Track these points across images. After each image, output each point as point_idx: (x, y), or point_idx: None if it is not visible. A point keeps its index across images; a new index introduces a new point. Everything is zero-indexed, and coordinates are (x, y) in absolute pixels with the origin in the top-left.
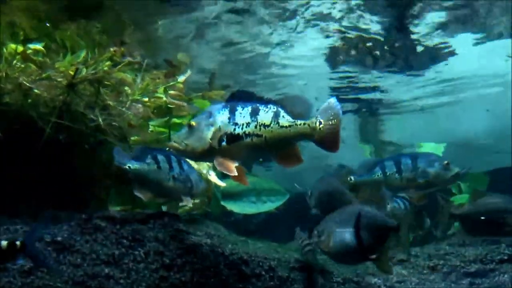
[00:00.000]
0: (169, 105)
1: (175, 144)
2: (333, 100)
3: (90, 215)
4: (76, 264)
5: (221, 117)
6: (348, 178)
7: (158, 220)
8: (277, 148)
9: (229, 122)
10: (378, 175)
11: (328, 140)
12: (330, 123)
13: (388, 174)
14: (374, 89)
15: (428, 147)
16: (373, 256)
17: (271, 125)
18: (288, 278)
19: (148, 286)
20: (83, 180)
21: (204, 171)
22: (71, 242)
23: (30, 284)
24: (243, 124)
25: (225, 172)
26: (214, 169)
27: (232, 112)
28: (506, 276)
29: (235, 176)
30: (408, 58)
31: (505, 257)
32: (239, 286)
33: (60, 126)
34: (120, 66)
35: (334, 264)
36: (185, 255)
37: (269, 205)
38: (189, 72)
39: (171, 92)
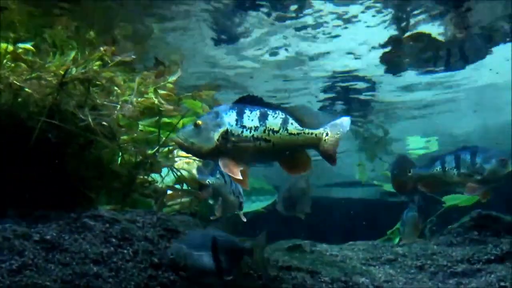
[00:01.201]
0: (159, 106)
1: (180, 141)
2: (346, 119)
3: (79, 214)
4: (64, 263)
5: (229, 118)
6: (408, 171)
7: (148, 219)
8: (283, 154)
9: (236, 124)
10: (437, 170)
11: (328, 152)
12: (335, 137)
13: (447, 169)
14: None
15: (417, 141)
16: (229, 278)
17: (280, 131)
18: (276, 278)
19: (136, 285)
20: (72, 180)
21: (194, 171)
22: (60, 241)
23: (19, 283)
24: (251, 128)
25: (229, 173)
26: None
27: (240, 115)
28: (493, 276)
29: (237, 178)
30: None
31: (492, 257)
32: None
33: (50, 125)
34: (110, 65)
35: (322, 264)
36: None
37: (257, 205)
38: (179, 73)
39: (162, 92)
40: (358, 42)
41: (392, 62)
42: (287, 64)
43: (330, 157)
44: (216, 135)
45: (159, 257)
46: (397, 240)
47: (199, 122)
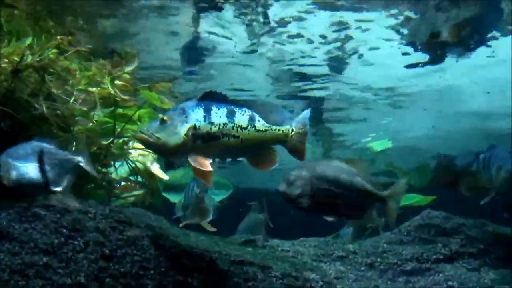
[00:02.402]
0: (115, 96)
1: (144, 136)
2: (307, 111)
3: (30, 204)
4: (14, 252)
5: (196, 115)
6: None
7: (100, 211)
8: (251, 150)
9: (205, 121)
10: (475, 168)
11: (297, 148)
12: (300, 132)
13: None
14: None
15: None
16: (58, 189)
17: (248, 128)
18: (228, 272)
19: (86, 276)
20: None
21: (148, 163)
22: (9, 230)
23: None
24: (219, 124)
25: (200, 168)
26: (158, 161)
27: (208, 111)
28: (441, 275)
29: (201, 173)
30: None
31: (441, 257)
32: (179, 279)
33: (4, 113)
34: (67, 54)
35: (274, 259)
36: (125, 246)
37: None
38: (136, 63)
39: (118, 82)
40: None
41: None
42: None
43: (298, 152)
44: (183, 131)
45: (110, 248)
46: None
47: (165, 117)
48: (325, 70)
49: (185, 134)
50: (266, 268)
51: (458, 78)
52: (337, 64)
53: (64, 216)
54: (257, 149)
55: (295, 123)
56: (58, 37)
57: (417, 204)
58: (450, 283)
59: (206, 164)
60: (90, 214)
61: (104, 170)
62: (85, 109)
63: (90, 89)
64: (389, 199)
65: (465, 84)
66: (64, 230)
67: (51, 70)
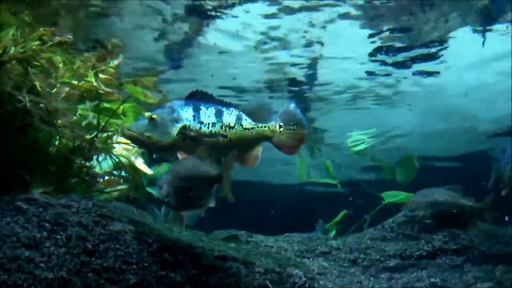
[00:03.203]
0: (98, 90)
1: (134, 134)
2: (292, 106)
3: (13, 197)
4: None
5: (186, 114)
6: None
7: (83, 205)
8: (239, 149)
9: (194, 120)
10: None
11: (288, 144)
12: (292, 128)
13: None
14: None
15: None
16: None
17: (236, 127)
18: (212, 267)
19: (69, 271)
20: (7, 163)
21: (132, 158)
22: None
23: None
24: (209, 124)
25: None
26: (142, 156)
27: (197, 111)
28: (424, 272)
29: None
30: None
31: (424, 253)
32: (162, 274)
33: None
34: (49, 44)
35: (257, 255)
36: (108, 241)
37: None
38: (121, 57)
39: (102, 76)
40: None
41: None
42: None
43: (288, 148)
44: (174, 130)
45: (93, 243)
46: (333, 233)
47: (155, 116)
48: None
49: (177, 134)
50: (249, 263)
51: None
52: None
53: (46, 210)
54: (244, 147)
55: (280, 119)
56: (41, 28)
57: (402, 201)
58: (432, 279)
59: None
60: (73, 209)
61: (87, 164)
62: (68, 102)
63: (74, 82)
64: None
65: (451, 83)
66: (47, 224)
67: (35, 62)
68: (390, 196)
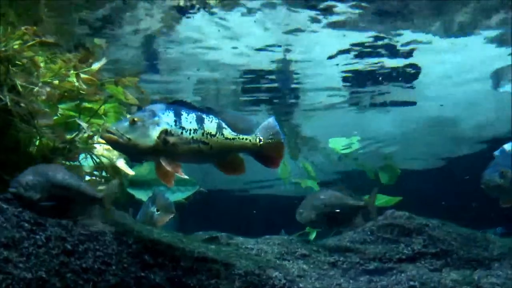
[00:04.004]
0: (80, 90)
1: (114, 137)
2: (272, 120)
3: None
4: None
5: (167, 118)
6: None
7: None
8: (219, 157)
9: (175, 125)
10: None
11: (268, 156)
12: (270, 141)
13: None
14: None
15: (338, 142)
16: None
17: (217, 135)
18: (191, 268)
19: (48, 271)
20: None
21: (114, 158)
22: None
23: None
24: (190, 130)
25: (171, 171)
26: (124, 156)
27: (178, 116)
28: (403, 275)
29: (163, 174)
30: None
31: (404, 257)
32: (141, 275)
33: None
34: (31, 43)
35: (237, 257)
36: (87, 241)
37: (178, 195)
38: (104, 60)
39: (84, 76)
40: None
41: None
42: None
43: (268, 161)
44: (155, 134)
45: (72, 243)
46: (313, 235)
47: (136, 118)
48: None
49: (158, 137)
50: (229, 265)
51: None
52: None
53: (26, 210)
54: (225, 156)
55: (260, 132)
56: (23, 27)
57: (384, 205)
58: (412, 283)
59: (178, 169)
60: None
61: (68, 164)
62: (49, 102)
63: (55, 82)
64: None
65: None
66: (26, 224)
67: (16, 61)
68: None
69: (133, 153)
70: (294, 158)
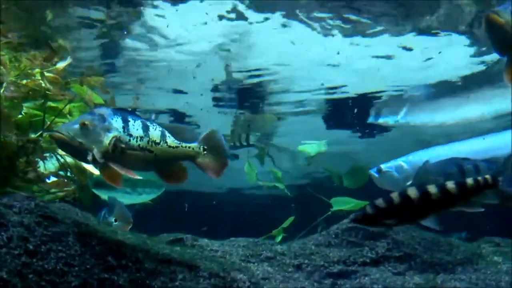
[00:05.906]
0: (45, 89)
1: (67, 138)
2: (215, 130)
3: None
4: None
5: (116, 124)
6: None
7: (25, 205)
8: (162, 165)
9: (124, 132)
10: None
11: (211, 166)
12: (215, 151)
13: None
14: None
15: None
16: None
17: (161, 143)
18: (155, 270)
19: (9, 272)
20: None
21: None
22: None
23: None
24: (137, 137)
25: (113, 176)
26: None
27: (126, 122)
28: (367, 278)
29: (110, 176)
30: None
31: (368, 260)
32: (104, 277)
33: None
34: None
35: (202, 259)
36: (50, 242)
37: (144, 197)
38: (69, 59)
39: (49, 75)
40: None
41: None
42: None
43: (211, 171)
44: (106, 139)
45: (35, 244)
46: (279, 238)
47: (86, 122)
48: None
49: (109, 143)
50: (193, 267)
51: None
52: None
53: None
54: (168, 164)
55: (203, 141)
56: None
57: (351, 209)
58: (375, 286)
59: (131, 173)
60: (15, 209)
61: (32, 163)
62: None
63: (20, 81)
64: None
65: None
66: None
67: None
68: (339, 203)
69: (82, 156)
70: (261, 163)
